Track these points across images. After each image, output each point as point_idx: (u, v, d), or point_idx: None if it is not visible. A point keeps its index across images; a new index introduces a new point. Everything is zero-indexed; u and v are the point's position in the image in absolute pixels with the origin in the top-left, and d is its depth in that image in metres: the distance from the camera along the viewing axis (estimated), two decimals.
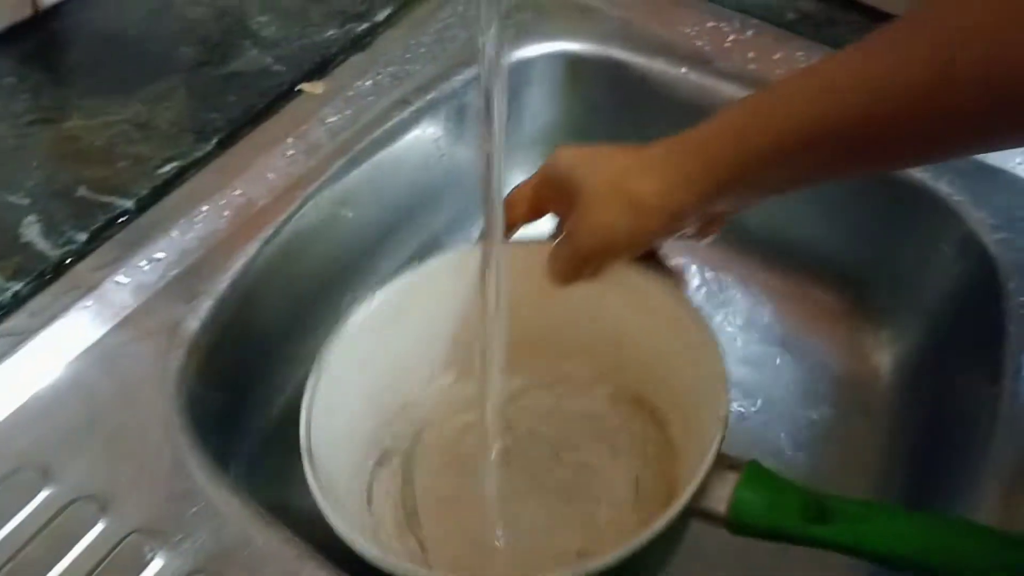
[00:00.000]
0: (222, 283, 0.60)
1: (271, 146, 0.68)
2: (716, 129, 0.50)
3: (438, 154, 0.76)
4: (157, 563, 0.47)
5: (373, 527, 0.56)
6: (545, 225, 0.59)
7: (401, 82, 0.74)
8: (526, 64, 0.78)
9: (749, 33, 0.78)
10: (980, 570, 0.46)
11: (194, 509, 0.49)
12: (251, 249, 0.62)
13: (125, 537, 0.48)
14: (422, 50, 0.76)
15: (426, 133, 0.74)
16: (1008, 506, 0.52)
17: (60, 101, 0.70)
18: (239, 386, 0.63)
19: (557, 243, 0.56)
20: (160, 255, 0.61)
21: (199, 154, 0.67)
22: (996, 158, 0.68)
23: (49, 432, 0.53)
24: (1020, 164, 0.68)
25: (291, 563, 0.48)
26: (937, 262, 0.69)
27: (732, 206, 0.54)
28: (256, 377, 0.65)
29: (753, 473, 0.50)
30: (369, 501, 0.58)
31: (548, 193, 0.56)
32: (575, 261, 0.55)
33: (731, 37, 0.77)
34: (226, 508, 0.50)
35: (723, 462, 0.49)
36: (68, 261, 0.60)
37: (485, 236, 0.51)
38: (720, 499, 0.48)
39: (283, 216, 0.64)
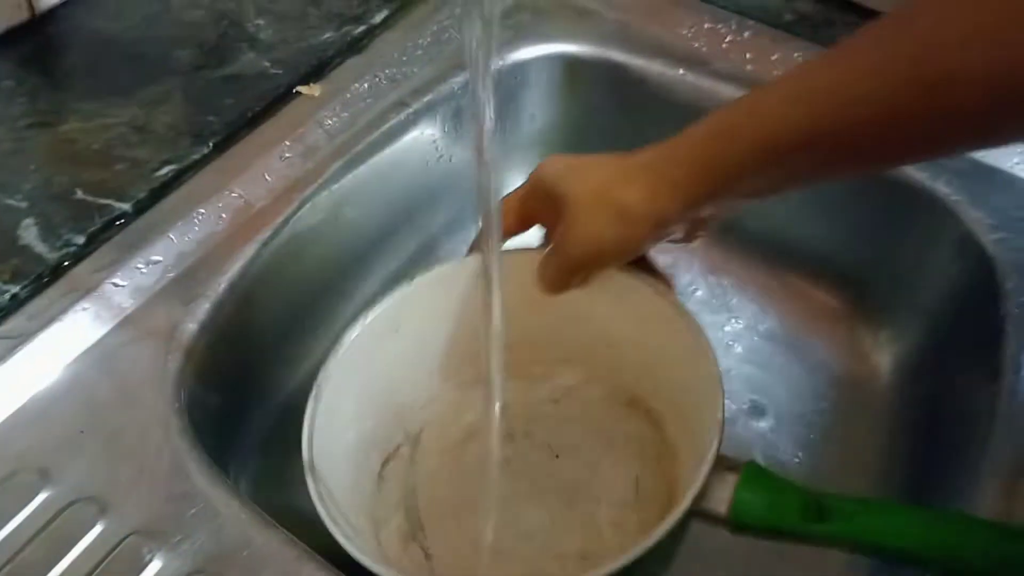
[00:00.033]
0: (220, 285, 0.60)
1: (268, 149, 0.68)
2: (699, 137, 0.50)
3: (436, 156, 0.76)
4: (156, 564, 0.47)
5: (377, 536, 0.56)
6: (535, 234, 0.59)
7: (398, 84, 0.74)
8: (524, 66, 0.78)
9: (746, 34, 0.78)
10: (978, 561, 0.47)
11: (193, 510, 0.49)
12: (249, 251, 0.62)
13: (124, 539, 0.48)
14: (419, 52, 0.76)
15: (423, 135, 0.74)
16: (1007, 504, 0.52)
17: (57, 104, 0.70)
18: (238, 388, 0.63)
19: (546, 253, 0.57)
20: (158, 257, 0.61)
21: (196, 157, 0.67)
22: (994, 158, 0.68)
23: (48, 434, 0.53)
24: (1018, 164, 0.68)
25: (290, 564, 0.48)
26: (935, 262, 0.69)
27: (719, 210, 0.54)
28: (255, 378, 0.65)
29: (752, 473, 0.50)
30: (372, 510, 0.58)
31: (535, 204, 0.56)
32: (564, 271, 0.56)
33: (728, 38, 0.77)
34: (225, 509, 0.50)
35: (722, 463, 0.49)
36: (66, 264, 0.60)
37: (482, 243, 0.52)
38: (720, 500, 0.49)
39: (281, 218, 0.64)
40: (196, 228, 0.63)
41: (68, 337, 0.57)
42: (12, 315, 0.57)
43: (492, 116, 0.46)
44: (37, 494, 0.50)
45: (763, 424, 0.71)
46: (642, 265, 0.58)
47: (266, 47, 0.75)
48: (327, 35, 0.77)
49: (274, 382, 0.66)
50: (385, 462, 0.60)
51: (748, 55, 0.76)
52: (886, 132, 0.45)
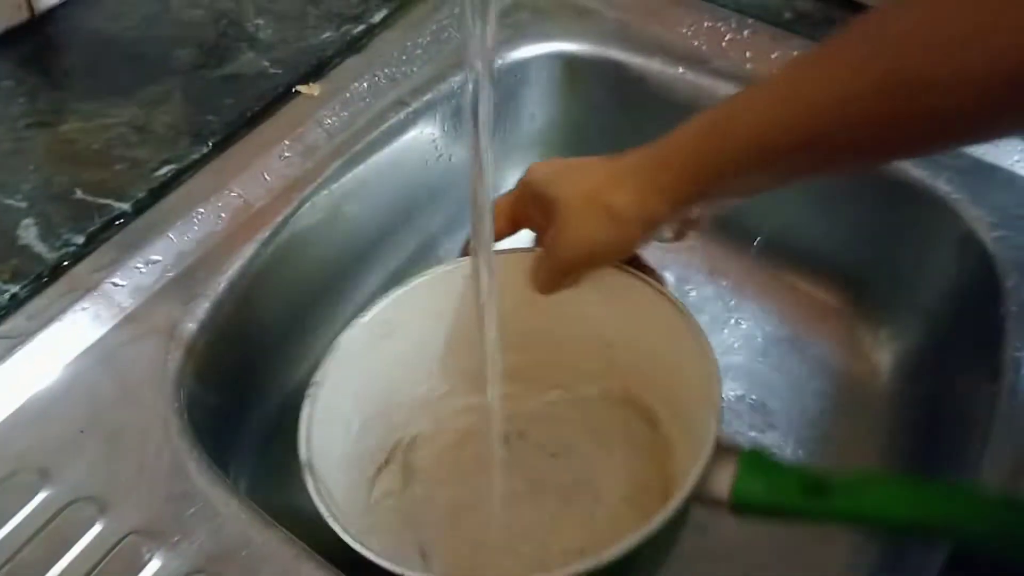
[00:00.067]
0: (219, 285, 0.60)
1: (268, 148, 0.68)
2: (687, 139, 0.51)
3: (435, 155, 0.76)
4: (155, 564, 0.47)
5: (375, 534, 0.56)
6: (525, 235, 0.60)
7: (398, 83, 0.74)
8: (523, 65, 0.78)
9: (746, 33, 0.77)
10: (979, 530, 0.47)
11: (192, 510, 0.49)
12: (248, 251, 0.62)
13: (123, 538, 0.48)
14: (418, 51, 0.76)
15: (423, 134, 0.74)
16: None
17: (57, 104, 0.70)
18: (237, 387, 0.63)
19: (538, 256, 0.58)
20: (157, 257, 0.61)
21: (196, 156, 0.67)
22: (994, 156, 0.68)
23: (47, 434, 0.53)
24: (1018, 162, 0.68)
25: (289, 563, 0.48)
26: (936, 260, 0.69)
27: (709, 209, 0.55)
28: (254, 378, 0.64)
29: (751, 457, 0.50)
30: (370, 511, 0.58)
31: (525, 208, 0.57)
32: (557, 273, 0.57)
33: (728, 37, 0.77)
34: (224, 509, 0.50)
35: (721, 449, 0.49)
36: (65, 263, 0.60)
37: (475, 245, 0.52)
38: (721, 484, 0.49)
39: (280, 218, 0.64)
40: (196, 228, 0.63)
41: (67, 337, 0.57)
42: (11, 315, 0.57)
43: (490, 120, 0.47)
44: (36, 494, 0.50)
45: (763, 423, 0.71)
46: (633, 263, 0.58)
47: (265, 47, 0.75)
48: (326, 34, 0.77)
49: (274, 381, 0.66)
50: (382, 464, 0.60)
51: (748, 53, 0.76)
52: (870, 132, 0.45)
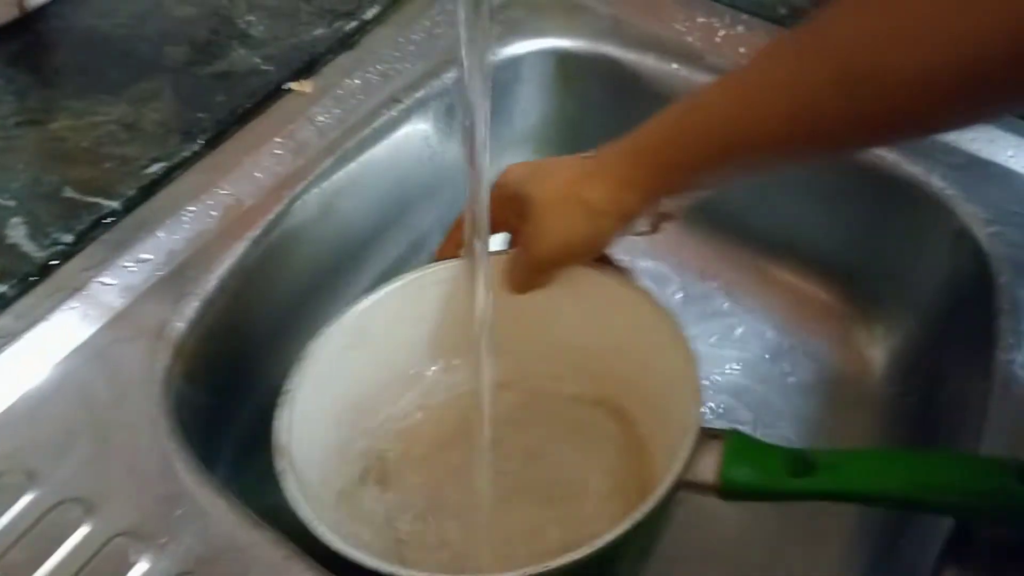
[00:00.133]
0: (210, 283, 0.60)
1: (259, 145, 0.68)
2: (651, 135, 0.52)
3: (428, 152, 0.75)
4: (143, 566, 0.47)
5: (357, 538, 0.56)
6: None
7: (390, 80, 0.73)
8: (517, 61, 0.78)
9: (740, 28, 0.77)
10: (967, 497, 0.47)
11: (180, 511, 0.49)
12: (239, 249, 0.62)
13: (110, 540, 0.48)
14: (411, 48, 0.76)
15: (416, 131, 0.73)
16: None
17: (46, 102, 0.69)
18: (226, 387, 0.62)
19: (513, 254, 0.58)
20: (147, 256, 0.61)
21: (186, 154, 0.66)
22: (989, 152, 0.68)
23: (35, 434, 0.52)
24: (1012, 157, 0.67)
25: (278, 564, 0.47)
26: (930, 256, 0.69)
27: (683, 201, 0.55)
28: (244, 378, 0.64)
29: (736, 440, 0.50)
30: (352, 515, 0.57)
31: (500, 211, 0.57)
32: (533, 270, 0.58)
33: (722, 32, 0.77)
34: (212, 510, 0.49)
35: (705, 435, 0.50)
36: (54, 262, 0.60)
37: (469, 247, 0.52)
38: (708, 469, 0.49)
39: (271, 216, 0.64)
40: (186, 226, 0.62)
41: (56, 336, 0.56)
42: None
43: (487, 117, 0.47)
44: (23, 495, 0.50)
45: (755, 420, 0.70)
46: (602, 261, 0.59)
47: (257, 43, 0.75)
48: (318, 31, 0.76)
49: (263, 381, 0.65)
50: (364, 464, 0.60)
51: (742, 49, 0.76)
52: (826, 127, 0.45)
